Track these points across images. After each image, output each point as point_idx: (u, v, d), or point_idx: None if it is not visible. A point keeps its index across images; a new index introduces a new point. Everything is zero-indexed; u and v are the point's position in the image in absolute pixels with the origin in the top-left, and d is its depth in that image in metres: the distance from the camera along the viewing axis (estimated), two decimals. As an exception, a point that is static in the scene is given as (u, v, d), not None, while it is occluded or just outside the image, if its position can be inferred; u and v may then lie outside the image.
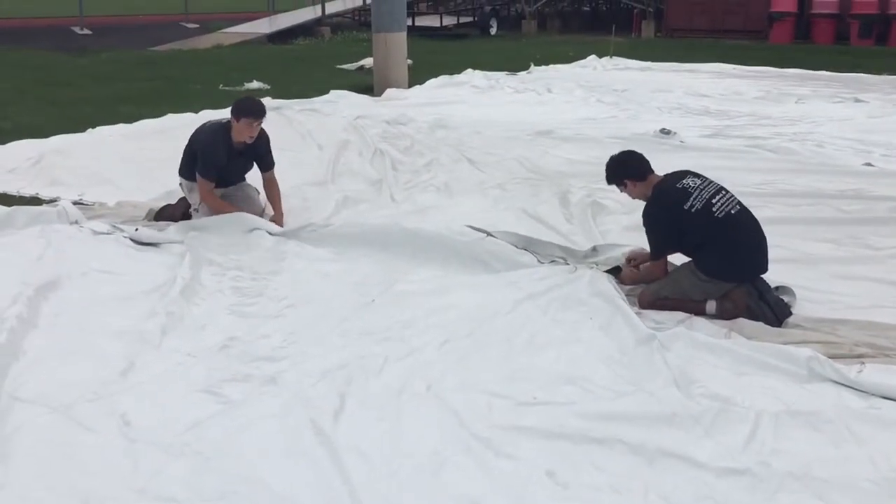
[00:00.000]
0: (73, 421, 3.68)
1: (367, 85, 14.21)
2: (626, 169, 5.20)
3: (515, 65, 16.75)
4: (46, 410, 3.75)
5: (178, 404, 3.86)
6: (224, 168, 6.44)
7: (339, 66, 17.11)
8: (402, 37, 14.04)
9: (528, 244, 5.72)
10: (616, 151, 8.87)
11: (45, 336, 4.50)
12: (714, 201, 4.87)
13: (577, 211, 6.87)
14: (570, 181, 7.76)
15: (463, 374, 4.16)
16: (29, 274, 5.26)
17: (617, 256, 5.53)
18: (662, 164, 8.42)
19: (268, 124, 10.44)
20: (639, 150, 8.91)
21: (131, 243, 6.06)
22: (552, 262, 5.57)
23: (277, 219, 6.57)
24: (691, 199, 4.88)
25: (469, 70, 15.54)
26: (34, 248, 5.77)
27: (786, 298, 4.99)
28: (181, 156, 6.68)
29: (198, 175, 6.38)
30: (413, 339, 4.56)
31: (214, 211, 6.43)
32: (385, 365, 4.23)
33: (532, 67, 16.54)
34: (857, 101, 12.52)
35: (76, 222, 6.46)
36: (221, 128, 6.42)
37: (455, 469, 3.40)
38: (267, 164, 6.71)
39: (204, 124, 6.64)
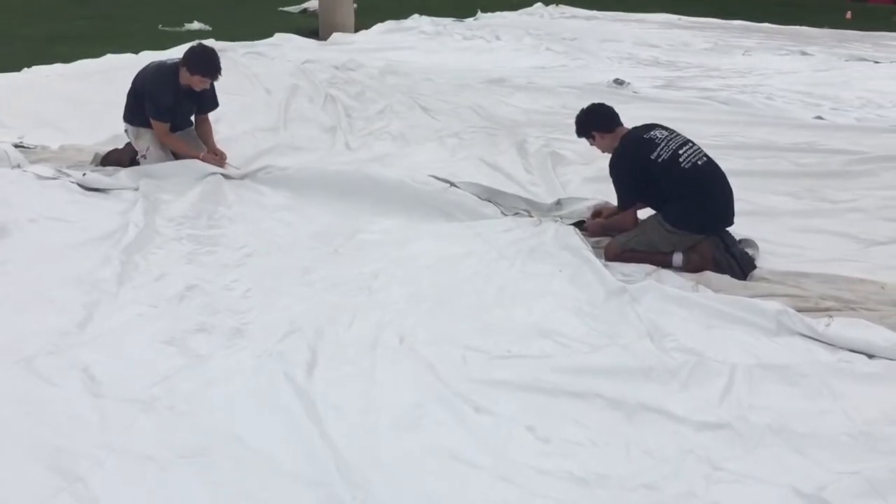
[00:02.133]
0: (35, 374, 3.53)
1: (312, 28, 13.93)
2: (594, 121, 5.14)
3: (461, 11, 16.54)
4: (5, 364, 3.60)
5: (142, 357, 3.73)
6: (172, 111, 6.21)
7: (281, 9, 16.72)
8: (349, -21, 13.77)
9: (491, 195, 5.64)
10: (570, 101, 8.99)
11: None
12: (681, 152, 4.85)
13: (536, 161, 6.80)
14: (526, 130, 7.69)
15: (435, 326, 4.09)
16: None
17: (581, 210, 5.49)
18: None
19: None
20: (591, 99, 9.04)
21: (79, 189, 5.85)
22: (516, 214, 5.51)
23: (213, 155, 6.32)
24: (658, 149, 4.85)
25: (416, 15, 15.32)
26: None
27: (749, 251, 5.00)
28: (125, 100, 6.44)
29: (151, 119, 6.14)
30: (380, 290, 4.48)
31: (177, 151, 6.22)
32: (355, 318, 4.13)
33: (479, 14, 16.33)
34: (803, 53, 12.62)
35: (18, 166, 6.22)
36: (169, 70, 6.17)
37: (434, 424, 3.34)
38: (210, 107, 6.49)
39: (147, 66, 6.38)
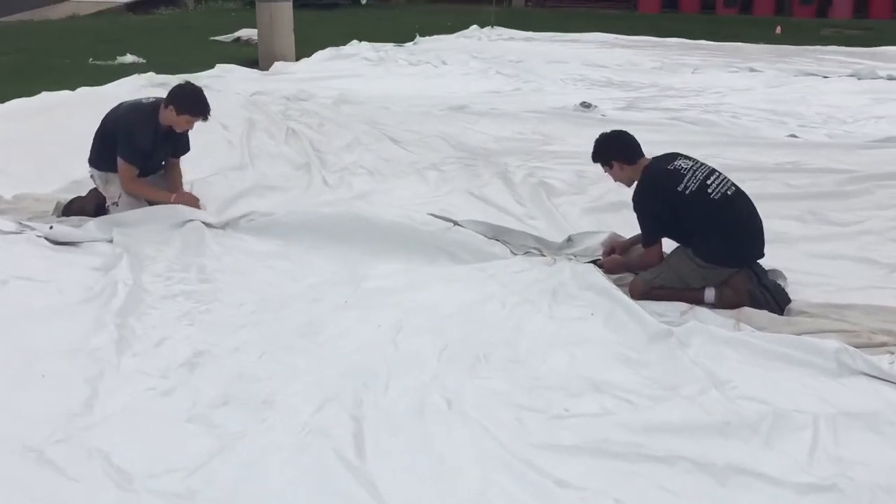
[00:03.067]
0: (49, 467, 3.10)
1: (250, 58, 13.46)
2: (617, 150, 4.87)
3: (396, 35, 16.22)
4: (13, 455, 3.16)
5: (165, 439, 3.33)
6: (147, 154, 5.77)
7: (213, 38, 16.21)
8: (288, 7, 13.35)
9: (497, 233, 5.34)
10: (539, 126, 8.75)
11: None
12: (709, 182, 4.61)
13: (526, 192, 6.51)
14: (504, 160, 7.40)
15: (478, 385, 3.76)
16: None
17: (594, 246, 5.20)
18: (585, 139, 8.25)
19: None
20: (561, 124, 8.87)
21: (46, 243, 5.38)
22: (526, 253, 5.21)
23: (188, 196, 5.92)
24: (685, 180, 4.60)
25: (355, 41, 14.96)
26: None
27: (780, 282, 4.78)
28: (91, 142, 5.97)
29: (120, 160, 5.67)
30: (406, 345, 4.12)
31: (145, 197, 5.78)
32: (389, 380, 3.77)
33: (418, 38, 16.05)
34: (752, 70, 12.60)
35: (-26, 220, 5.71)
36: (148, 109, 5.73)
37: (510, 499, 3.00)
38: (184, 150, 6.06)
39: (119, 106, 5.94)
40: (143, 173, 5.84)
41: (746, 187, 6.51)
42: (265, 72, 12.41)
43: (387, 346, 4.12)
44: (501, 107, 9.58)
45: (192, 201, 5.86)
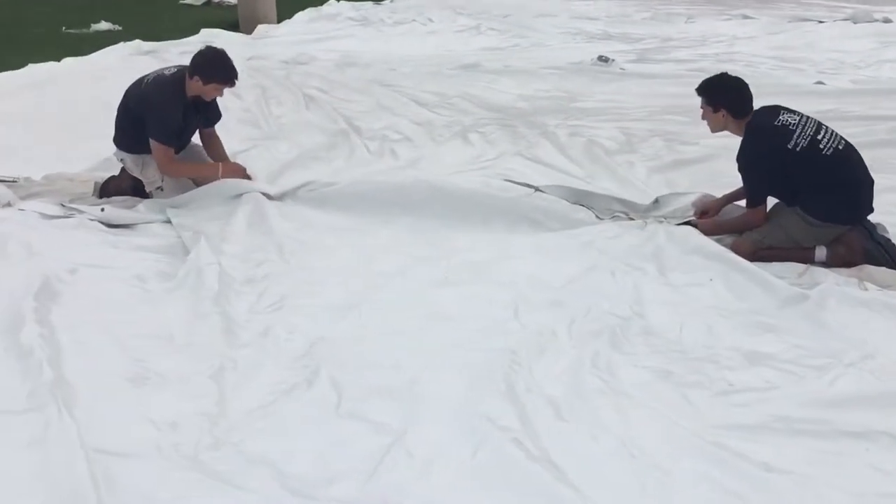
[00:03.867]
0: (215, 478, 2.82)
1: (228, 21, 12.98)
2: (731, 99, 4.65)
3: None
4: (166, 463, 2.88)
5: (324, 437, 3.06)
6: (180, 131, 5.42)
7: (183, 2, 15.63)
8: (268, -33, 12.89)
9: (580, 198, 5.10)
10: (562, 83, 8.50)
11: (86, 362, 3.53)
12: (819, 138, 4.42)
13: (578, 153, 6.28)
14: (540, 119, 7.17)
15: (628, 362, 3.55)
16: (5, 278, 4.23)
17: (684, 207, 4.99)
18: (611, 94, 8.06)
19: (147, 70, 9.37)
20: (581, 80, 8.64)
21: (102, 227, 5.04)
22: (613, 217, 4.98)
23: (236, 166, 5.59)
24: (794, 137, 4.41)
25: (332, 0, 14.52)
26: None
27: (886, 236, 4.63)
28: (115, 123, 5.58)
29: (153, 143, 5.27)
30: (530, 321, 3.88)
31: (188, 176, 5.43)
32: (531, 360, 3.54)
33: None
34: (745, 17, 12.46)
35: (9, 204, 5.34)
36: (172, 82, 5.33)
37: (720, 488, 2.80)
38: (215, 118, 5.67)
39: (141, 81, 5.48)
40: (177, 150, 5.50)
41: None
42: (251, 35, 11.96)
43: (511, 323, 3.88)
44: (516, 64, 9.33)
45: (240, 171, 5.53)
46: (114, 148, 5.61)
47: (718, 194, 5.11)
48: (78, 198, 5.55)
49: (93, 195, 5.63)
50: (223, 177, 5.41)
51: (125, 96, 5.52)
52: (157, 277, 4.38)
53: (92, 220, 5.08)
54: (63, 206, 5.32)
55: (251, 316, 3.96)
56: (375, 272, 4.45)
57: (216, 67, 5.27)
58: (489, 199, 5.08)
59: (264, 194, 5.25)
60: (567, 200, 5.06)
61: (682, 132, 6.67)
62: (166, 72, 5.50)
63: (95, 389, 3.33)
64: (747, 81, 8.16)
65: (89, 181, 5.80)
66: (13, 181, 5.76)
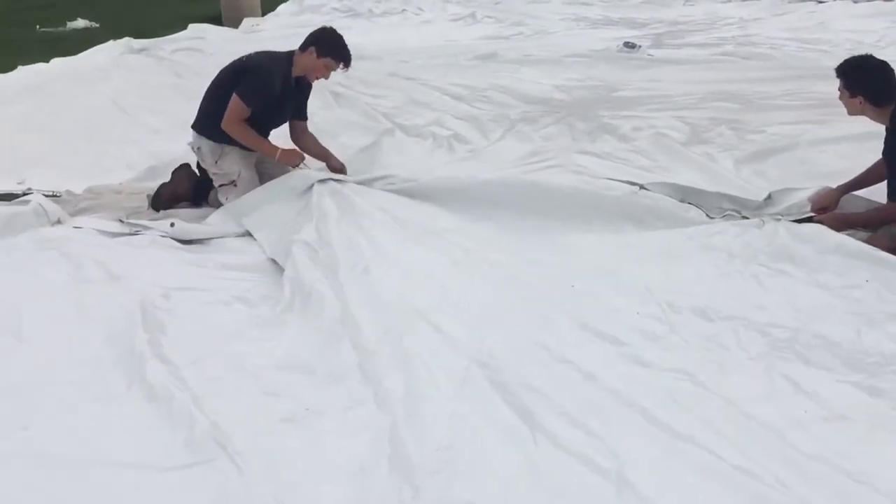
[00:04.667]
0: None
1: (208, 15, 12.43)
2: (869, 86, 4.35)
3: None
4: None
5: (537, 483, 2.73)
6: (270, 106, 5.03)
7: (152, -5, 15.03)
8: (252, -42, 12.38)
9: (686, 195, 4.80)
10: (592, 72, 8.20)
11: (229, 403, 3.14)
12: (972, 127, 4.18)
13: (647, 145, 5.96)
14: (590, 110, 6.84)
15: (826, 378, 3.26)
16: (97, 306, 3.86)
17: (801, 203, 4.70)
18: (648, 82, 7.79)
19: (145, 70, 8.90)
20: (610, 68, 8.36)
21: (174, 244, 4.65)
22: (725, 216, 4.69)
23: (332, 160, 5.30)
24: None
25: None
26: (55, 268, 4.29)
27: None
28: (199, 106, 5.24)
29: (235, 97, 4.90)
30: (690, 333, 3.58)
31: (245, 141, 5.04)
32: (719, 378, 3.25)
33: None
34: (743, -2, 12.30)
35: (59, 222, 4.91)
36: (280, 56, 5.10)
37: None
38: (303, 113, 5.36)
39: (242, 56, 5.21)
40: (261, 131, 5.14)
41: (868, 124, 6.20)
42: (238, 30, 11.47)
43: (672, 337, 3.57)
44: (536, 53, 9.00)
45: (298, 156, 5.18)
46: (189, 136, 5.24)
47: (813, 186, 4.88)
48: (134, 212, 5.14)
49: (148, 209, 5.21)
50: (281, 159, 5.08)
51: (219, 74, 5.21)
52: (261, 300, 4.01)
53: (163, 236, 4.68)
54: (122, 221, 4.91)
55: (384, 335, 3.59)
56: (497, 277, 4.11)
57: (333, 44, 5.03)
58: (590, 198, 4.78)
59: (337, 181, 4.92)
60: (673, 198, 4.76)
61: (743, 120, 6.42)
62: (276, 51, 5.24)
63: (255, 435, 2.96)
64: (786, 65, 8.11)
65: (139, 193, 5.38)
66: (56, 196, 5.31)
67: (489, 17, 11.68)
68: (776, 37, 9.52)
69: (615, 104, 7.03)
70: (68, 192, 5.42)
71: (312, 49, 4.90)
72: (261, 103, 4.93)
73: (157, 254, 4.50)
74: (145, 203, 5.25)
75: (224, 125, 4.93)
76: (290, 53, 5.04)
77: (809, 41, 9.30)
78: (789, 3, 11.87)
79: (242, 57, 5.16)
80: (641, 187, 4.79)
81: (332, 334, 3.58)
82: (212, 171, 5.12)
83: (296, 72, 5.00)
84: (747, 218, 4.63)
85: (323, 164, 5.28)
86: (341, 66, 4.97)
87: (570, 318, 3.71)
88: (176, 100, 7.63)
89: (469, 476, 2.75)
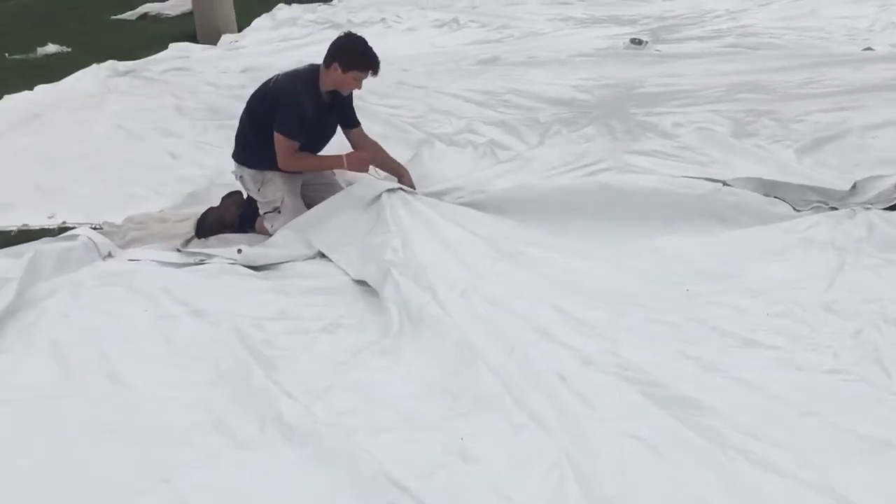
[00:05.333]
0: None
1: (183, 33, 12.04)
2: None
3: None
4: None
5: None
6: (311, 129, 4.80)
7: (115, 17, 14.56)
8: (225, -28, 12.05)
9: (769, 189, 4.69)
10: (604, 71, 8.06)
11: (406, 453, 2.92)
12: None
13: (696, 141, 5.78)
14: (623, 109, 6.68)
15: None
16: (191, 343, 3.67)
17: (887, 191, 4.60)
18: (667, 78, 7.68)
19: (138, 92, 8.57)
20: (619, 65, 8.24)
21: (246, 271, 4.41)
22: (813, 208, 4.58)
23: (406, 177, 5.06)
24: None
25: (281, 5, 13.72)
26: (129, 305, 4.07)
27: None
28: (235, 136, 5.05)
29: (278, 137, 4.69)
30: (836, 337, 3.45)
31: (309, 168, 4.92)
32: (881, 378, 3.12)
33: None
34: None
35: (109, 255, 4.65)
36: (306, 76, 4.80)
37: None
38: (353, 119, 5.11)
39: (269, 81, 4.92)
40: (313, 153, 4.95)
41: (870, 113, 6.11)
42: (218, 46, 11.13)
43: (815, 337, 3.44)
44: (538, 54, 8.85)
45: (365, 161, 4.95)
46: (232, 167, 5.03)
47: (871, 172, 4.82)
48: (184, 240, 4.88)
49: (196, 236, 4.96)
50: (349, 167, 4.87)
51: (249, 102, 4.99)
52: (362, 324, 3.81)
53: (232, 263, 4.44)
54: (179, 251, 4.66)
55: (510, 355, 3.40)
56: (602, 288, 3.95)
57: (357, 53, 4.74)
58: (670, 197, 4.66)
59: (404, 190, 4.75)
60: (757, 193, 4.64)
61: (779, 111, 6.33)
62: (298, 68, 4.97)
63: (426, 471, 2.78)
64: (798, 52, 8.03)
65: (185, 220, 5.11)
66: (97, 228, 5.02)
67: (473, 21, 11.46)
68: (771, 27, 9.47)
69: (642, 101, 6.90)
70: (107, 223, 5.13)
71: (336, 65, 4.65)
72: (303, 130, 4.73)
73: (232, 282, 4.26)
74: (190, 229, 4.99)
75: (282, 166, 4.77)
76: (315, 68, 4.79)
77: (807, 29, 9.27)
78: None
79: (268, 82, 4.88)
80: (724, 184, 4.65)
81: (462, 358, 3.38)
82: (257, 199, 4.90)
83: (325, 87, 4.75)
84: (836, 209, 4.52)
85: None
86: (370, 73, 4.73)
87: (699, 324, 3.58)
88: (180, 121, 7.39)
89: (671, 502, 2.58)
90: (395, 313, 3.75)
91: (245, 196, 5.12)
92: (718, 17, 10.49)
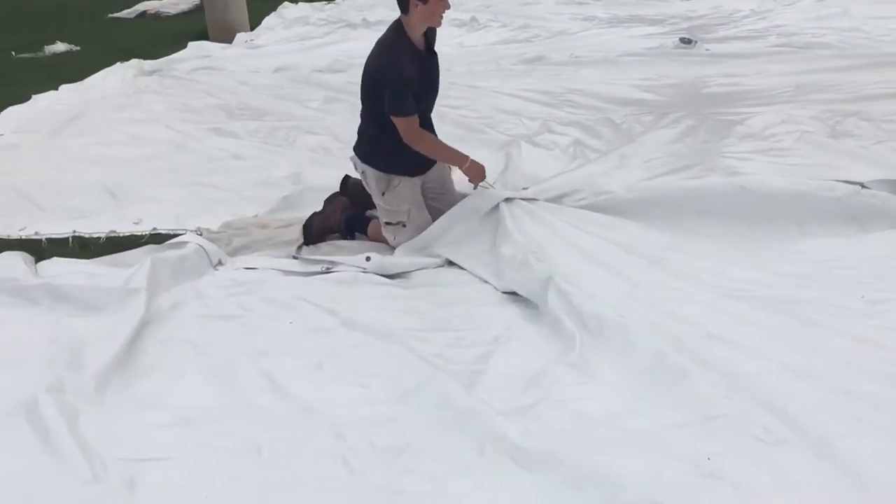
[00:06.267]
0: None
1: (189, 31, 11.73)
2: None
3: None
4: None
5: None
6: (419, 87, 4.40)
7: (112, 16, 14.17)
8: (238, -32, 11.74)
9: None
10: (661, 70, 7.89)
11: (626, 456, 2.77)
12: None
13: (794, 142, 5.56)
14: (699, 110, 6.54)
15: None
16: (367, 360, 3.49)
17: None
18: (729, 78, 7.54)
19: (173, 92, 8.26)
20: (673, 65, 8.11)
21: (382, 279, 4.20)
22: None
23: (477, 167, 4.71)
24: None
25: (286, 3, 13.45)
26: (270, 317, 3.86)
27: None
28: (358, 128, 4.72)
29: (395, 119, 4.37)
30: None
31: (433, 153, 4.58)
32: None
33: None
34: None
35: (220, 263, 4.42)
36: (393, 37, 4.39)
37: None
38: (437, 84, 4.71)
39: (368, 63, 4.46)
40: (423, 118, 4.62)
41: None
42: (239, 46, 10.82)
43: None
44: (588, 55, 8.68)
45: (483, 173, 4.69)
46: (356, 162, 4.71)
47: None
48: (297, 246, 4.65)
49: (305, 242, 4.73)
50: (468, 171, 4.63)
51: (361, 97, 4.57)
52: (546, 339, 3.58)
53: (364, 271, 4.22)
54: (296, 258, 4.44)
55: (725, 366, 3.22)
56: (764, 297, 3.77)
57: None
58: (805, 199, 4.52)
59: (526, 200, 4.55)
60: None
61: (865, 111, 6.22)
62: (381, 38, 4.52)
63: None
64: (841, 52, 7.94)
65: (290, 225, 4.88)
66: (199, 234, 4.77)
67: (492, 21, 11.29)
68: (808, 27, 9.36)
69: (713, 101, 6.78)
70: (204, 229, 4.88)
71: (417, 1, 4.21)
72: (414, 100, 4.37)
73: (372, 291, 4.06)
74: (298, 235, 4.75)
75: (407, 142, 4.45)
76: (396, 26, 4.37)
77: (845, 29, 9.12)
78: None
79: (367, 66, 4.46)
80: (863, 186, 4.53)
81: (665, 370, 3.19)
82: (378, 202, 4.64)
83: (416, 34, 4.35)
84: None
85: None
86: None
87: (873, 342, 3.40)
88: (231, 122, 7.15)
89: None
90: (568, 324, 3.55)
91: (348, 198, 4.91)
92: (746, 17, 10.42)
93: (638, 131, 6.19)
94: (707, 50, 8.40)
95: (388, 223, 4.62)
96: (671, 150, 5.71)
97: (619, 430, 2.95)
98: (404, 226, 4.58)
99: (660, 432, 2.91)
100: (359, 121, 4.66)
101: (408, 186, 4.59)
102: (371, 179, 4.62)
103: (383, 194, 4.59)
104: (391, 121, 4.40)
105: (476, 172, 4.62)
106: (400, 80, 4.28)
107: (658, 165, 5.31)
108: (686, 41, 8.47)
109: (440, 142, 4.60)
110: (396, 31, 4.39)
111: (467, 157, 4.59)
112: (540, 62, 8.54)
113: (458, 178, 4.79)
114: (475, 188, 4.65)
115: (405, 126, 4.41)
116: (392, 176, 4.57)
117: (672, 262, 4.10)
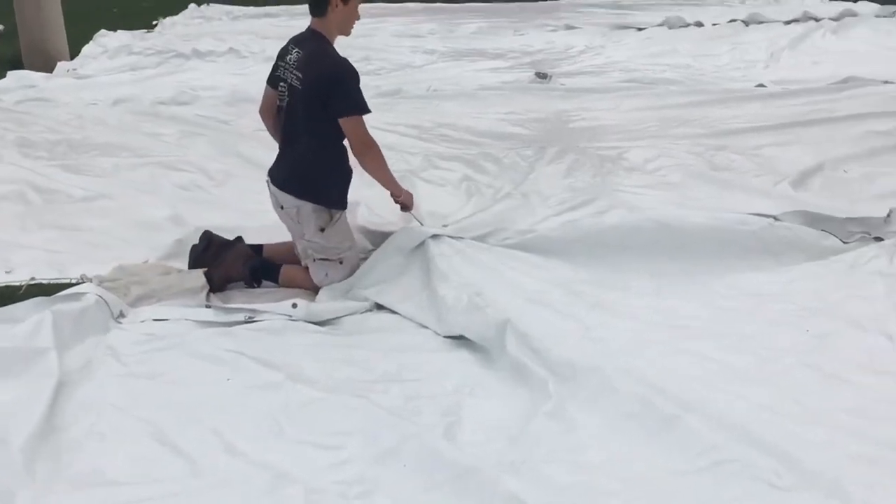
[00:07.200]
0: None
1: (4, 57, 10.87)
2: None
3: (105, 20, 13.45)
4: None
5: None
6: None
7: None
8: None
9: (814, 222, 4.71)
10: (508, 105, 7.89)
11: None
12: None
13: (679, 176, 5.74)
14: (572, 143, 6.60)
15: None
16: (331, 421, 3.24)
17: (922, 218, 4.76)
18: (583, 113, 7.67)
19: (17, 128, 7.51)
20: (530, 98, 8.23)
21: (313, 327, 3.94)
22: (858, 239, 4.65)
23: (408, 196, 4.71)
24: None
25: (103, 31, 12.64)
26: (201, 375, 3.56)
27: None
28: (283, 162, 4.47)
29: (351, 119, 4.11)
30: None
31: (380, 174, 4.43)
32: None
33: (160, 21, 13.94)
34: (570, 27, 12.47)
35: (122, 315, 4.05)
36: (316, 41, 4.18)
37: None
38: None
39: (316, 63, 4.16)
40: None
41: (816, 148, 6.33)
42: (61, 76, 10.06)
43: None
44: (443, 87, 8.62)
45: (411, 198, 4.68)
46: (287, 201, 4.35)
47: (876, 203, 5.01)
48: (203, 294, 4.30)
49: (207, 290, 4.37)
50: (402, 201, 4.58)
51: (292, 123, 4.33)
52: (512, 388, 3.43)
53: (293, 319, 3.94)
54: (209, 306, 4.11)
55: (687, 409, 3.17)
56: (709, 331, 3.78)
57: None
58: (729, 235, 4.57)
59: (453, 238, 4.45)
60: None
61: (732, 145, 6.46)
62: (290, 49, 4.26)
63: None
64: (693, 88, 8.23)
65: (193, 273, 4.48)
66: (83, 283, 4.32)
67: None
68: (645, 63, 9.68)
69: (586, 136, 6.86)
70: (94, 276, 4.42)
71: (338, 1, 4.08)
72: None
73: (307, 340, 3.81)
74: (203, 282, 4.39)
75: (357, 154, 4.24)
76: (311, 34, 4.20)
77: (679, 66, 9.47)
78: (612, 30, 12.08)
79: (315, 75, 4.13)
80: (776, 219, 4.64)
81: (661, 414, 3.10)
82: (313, 240, 4.34)
83: (337, 35, 4.23)
84: (881, 239, 4.61)
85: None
86: None
87: (863, 371, 3.46)
88: (84, 158, 6.61)
89: None
90: (537, 370, 3.41)
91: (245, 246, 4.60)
92: (583, 52, 10.66)
93: (523, 167, 6.13)
94: (562, 85, 8.51)
95: (323, 259, 4.33)
96: (565, 184, 5.71)
97: (625, 479, 2.83)
98: (342, 262, 4.34)
99: (668, 478, 2.81)
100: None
101: (345, 221, 4.39)
102: (308, 216, 4.31)
103: (323, 230, 4.31)
104: (336, 136, 4.18)
105: (410, 202, 4.54)
106: (357, 76, 4.14)
107: (557, 203, 5.29)
108: (542, 76, 8.58)
109: (384, 161, 4.41)
110: (320, 42, 4.18)
111: (402, 189, 4.54)
112: (399, 95, 8.40)
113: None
114: (409, 214, 4.58)
115: (362, 129, 4.17)
116: (333, 210, 4.32)
117: (611, 301, 4.05)
